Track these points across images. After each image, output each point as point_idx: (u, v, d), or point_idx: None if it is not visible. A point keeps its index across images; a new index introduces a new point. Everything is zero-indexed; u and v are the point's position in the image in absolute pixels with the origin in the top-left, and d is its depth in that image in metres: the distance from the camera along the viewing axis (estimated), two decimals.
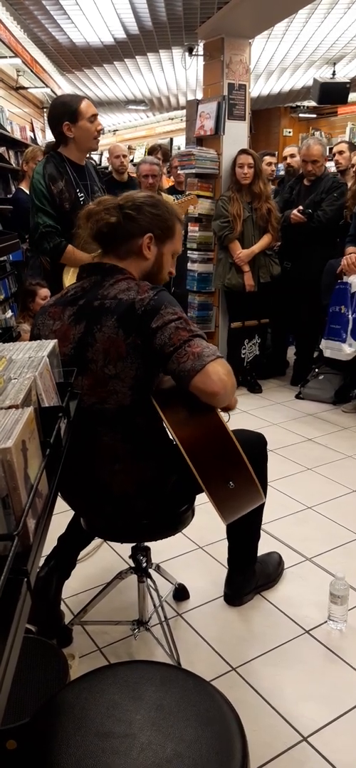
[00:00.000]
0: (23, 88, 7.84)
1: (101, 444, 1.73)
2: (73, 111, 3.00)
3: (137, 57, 6.77)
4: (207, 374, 1.57)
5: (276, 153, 10.27)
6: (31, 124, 8.42)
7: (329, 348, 4.32)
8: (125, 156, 5.54)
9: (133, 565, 2.06)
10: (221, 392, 1.59)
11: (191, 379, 1.58)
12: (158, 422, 1.71)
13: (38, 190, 3.00)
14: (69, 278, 3.07)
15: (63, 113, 3.04)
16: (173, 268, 1.93)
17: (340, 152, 5.26)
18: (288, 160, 5.82)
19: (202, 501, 1.82)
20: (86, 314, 1.71)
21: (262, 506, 2.09)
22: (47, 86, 7.78)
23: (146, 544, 2.05)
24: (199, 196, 5.02)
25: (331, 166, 5.65)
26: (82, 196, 3.06)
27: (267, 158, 5.90)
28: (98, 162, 9.91)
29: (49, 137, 9.69)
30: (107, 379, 1.67)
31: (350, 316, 4.17)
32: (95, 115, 3.06)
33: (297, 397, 4.72)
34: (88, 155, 3.21)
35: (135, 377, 1.66)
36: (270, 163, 5.93)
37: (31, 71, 6.88)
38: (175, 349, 1.60)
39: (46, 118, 9.58)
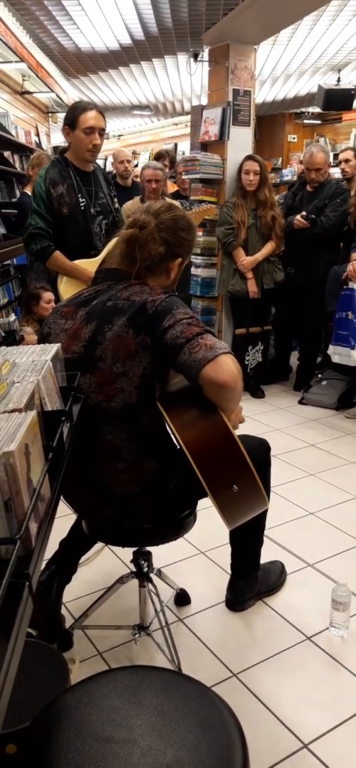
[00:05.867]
0: (28, 92, 7.87)
1: (105, 442, 1.73)
2: (73, 117, 3.01)
3: (142, 62, 6.79)
4: (219, 363, 1.58)
5: (280, 159, 10.32)
6: (36, 128, 8.45)
7: (337, 354, 4.33)
8: (128, 161, 5.55)
9: (134, 569, 2.06)
10: (232, 384, 1.59)
11: (203, 367, 1.57)
12: (162, 422, 1.71)
13: (37, 192, 3.04)
14: (63, 285, 3.08)
15: (67, 116, 3.07)
16: None
17: (346, 160, 5.23)
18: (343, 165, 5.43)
19: (204, 506, 1.83)
20: (98, 314, 1.74)
21: (265, 512, 2.09)
22: (52, 91, 7.81)
23: (148, 548, 2.05)
24: (203, 202, 5.03)
25: (336, 173, 5.63)
26: (83, 202, 3.07)
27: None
28: (101, 167, 9.93)
29: (54, 142, 9.77)
30: (115, 377, 1.68)
31: None
32: (91, 128, 2.99)
33: (300, 402, 4.72)
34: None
35: (143, 376, 1.67)
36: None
37: (37, 76, 6.91)
38: (187, 341, 1.61)
39: (51, 122, 9.62)
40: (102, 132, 3.07)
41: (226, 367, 1.58)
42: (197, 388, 1.63)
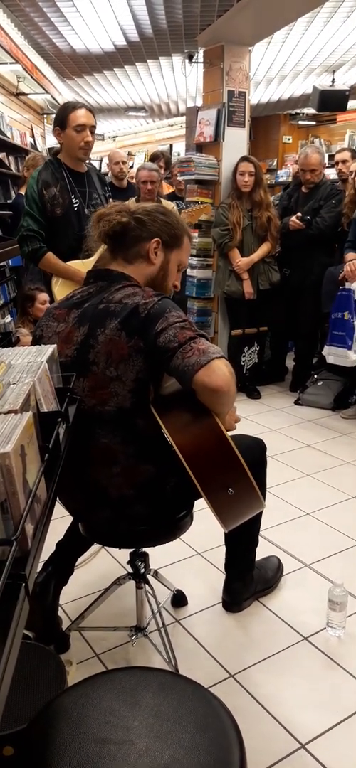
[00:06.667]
0: (23, 94, 7.87)
1: (100, 446, 1.73)
2: (63, 117, 3.02)
3: (137, 64, 6.80)
4: (212, 369, 1.57)
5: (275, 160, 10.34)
6: (32, 130, 8.45)
7: (332, 354, 4.33)
8: (124, 162, 5.55)
9: (131, 571, 2.05)
10: (225, 389, 1.58)
11: (196, 373, 1.57)
12: (158, 425, 1.71)
13: (30, 194, 3.05)
14: (58, 287, 3.08)
15: (57, 117, 3.09)
16: (178, 282, 1.95)
17: (344, 161, 5.19)
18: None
19: (200, 507, 1.82)
20: (90, 317, 1.73)
21: (261, 513, 2.09)
22: (47, 92, 7.80)
23: (145, 550, 2.04)
24: (198, 203, 5.03)
25: (331, 173, 5.63)
26: (76, 203, 3.07)
27: None
28: (97, 168, 9.92)
29: (49, 143, 9.76)
30: (108, 380, 1.67)
31: (355, 322, 4.17)
32: (82, 126, 2.99)
33: (296, 403, 4.73)
34: (84, 162, 3.17)
35: (136, 380, 1.67)
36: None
37: (32, 77, 6.91)
38: (180, 345, 1.60)
39: (46, 124, 9.62)
40: (93, 129, 3.07)
41: (219, 372, 1.58)
42: (190, 392, 1.63)
